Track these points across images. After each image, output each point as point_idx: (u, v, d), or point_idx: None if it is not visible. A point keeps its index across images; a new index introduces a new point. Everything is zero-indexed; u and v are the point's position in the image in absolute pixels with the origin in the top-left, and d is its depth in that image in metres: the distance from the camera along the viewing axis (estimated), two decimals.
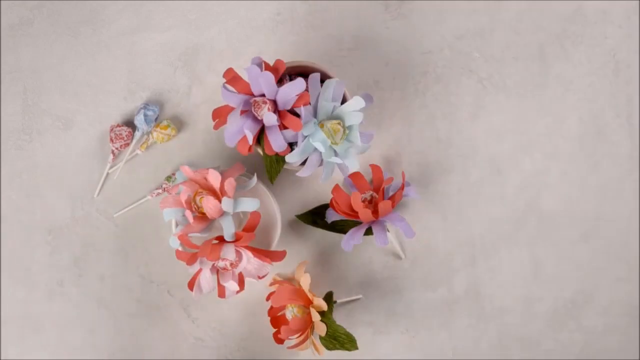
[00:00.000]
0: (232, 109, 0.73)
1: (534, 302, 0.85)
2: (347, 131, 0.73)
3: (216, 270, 0.74)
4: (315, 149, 0.73)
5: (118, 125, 0.83)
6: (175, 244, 0.73)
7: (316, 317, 0.75)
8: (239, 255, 0.73)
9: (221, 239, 0.74)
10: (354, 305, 0.85)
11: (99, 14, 0.85)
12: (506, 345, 0.84)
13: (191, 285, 0.74)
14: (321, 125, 0.72)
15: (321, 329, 0.76)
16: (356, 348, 0.76)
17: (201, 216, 0.73)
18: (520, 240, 0.85)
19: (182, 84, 0.85)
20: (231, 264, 0.73)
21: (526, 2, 0.87)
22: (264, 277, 0.75)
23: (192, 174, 0.74)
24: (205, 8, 0.86)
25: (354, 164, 0.74)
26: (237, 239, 0.73)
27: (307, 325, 0.76)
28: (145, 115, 0.82)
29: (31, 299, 0.84)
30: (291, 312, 0.77)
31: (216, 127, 0.75)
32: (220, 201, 0.72)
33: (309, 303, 0.77)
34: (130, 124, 0.84)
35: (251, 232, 0.72)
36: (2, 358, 0.83)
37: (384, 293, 0.85)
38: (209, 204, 0.72)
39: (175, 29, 0.85)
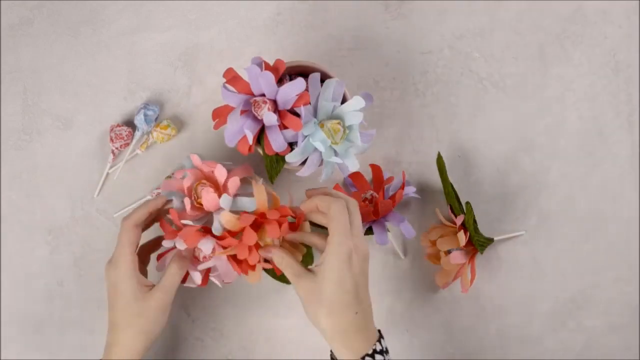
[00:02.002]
0: (232, 108, 0.73)
1: (534, 302, 0.85)
2: (347, 131, 0.73)
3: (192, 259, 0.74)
4: (316, 149, 0.73)
5: (118, 125, 0.83)
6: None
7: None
8: (214, 252, 0.72)
9: (206, 230, 0.74)
10: None
11: (99, 14, 0.85)
12: (506, 345, 0.84)
13: (159, 258, 0.74)
14: (321, 125, 0.72)
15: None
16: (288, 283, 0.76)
17: (198, 206, 0.74)
18: (520, 240, 0.85)
19: (182, 84, 0.85)
20: (203, 257, 0.72)
21: (526, 2, 0.87)
22: (228, 283, 0.75)
23: (200, 163, 0.74)
24: (205, 8, 0.86)
25: (354, 164, 0.74)
26: (221, 238, 0.72)
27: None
28: (146, 115, 0.82)
29: (31, 299, 0.83)
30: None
31: (216, 127, 0.75)
32: (219, 196, 0.72)
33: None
34: (130, 123, 0.84)
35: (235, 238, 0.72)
36: (2, 358, 0.83)
37: (384, 293, 0.85)
38: (207, 196, 0.72)
39: (175, 29, 0.85)
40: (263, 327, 0.84)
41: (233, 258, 0.73)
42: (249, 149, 0.73)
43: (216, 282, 0.75)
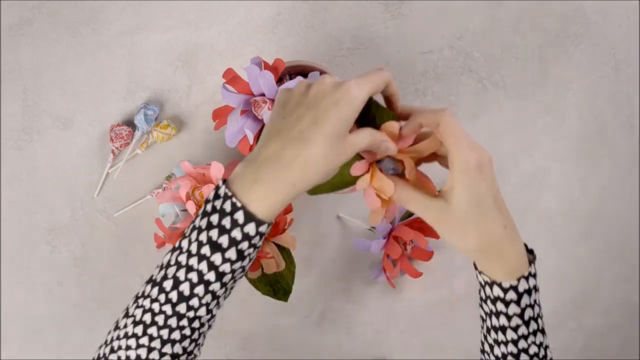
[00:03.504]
0: (232, 109, 0.73)
1: None
2: None
3: None
4: None
5: (118, 125, 0.83)
6: (164, 210, 0.77)
7: None
8: None
9: None
10: (354, 306, 0.85)
11: (99, 14, 0.85)
12: None
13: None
14: None
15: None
16: (286, 300, 0.75)
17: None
18: None
19: (182, 84, 0.85)
20: None
21: (526, 2, 0.87)
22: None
23: (191, 170, 0.74)
24: (205, 8, 0.86)
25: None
26: None
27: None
28: (146, 115, 0.81)
29: (31, 299, 0.83)
30: None
31: (217, 127, 0.75)
32: None
33: None
34: (130, 123, 0.84)
35: None
36: (2, 358, 0.83)
37: (384, 293, 0.85)
38: (210, 192, 0.72)
39: (175, 29, 0.85)
40: (263, 327, 0.84)
41: None
42: (250, 149, 0.73)
43: None
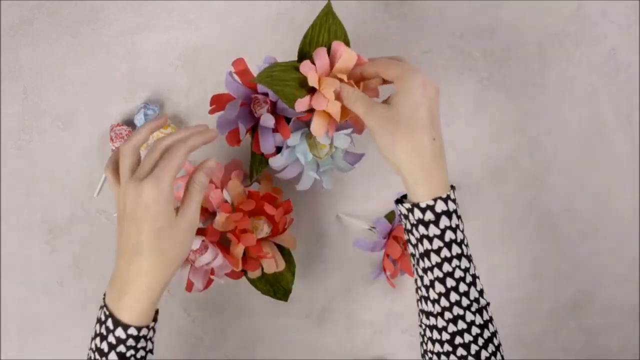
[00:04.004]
0: (232, 98, 0.73)
1: (534, 302, 0.85)
2: (333, 149, 0.72)
3: (190, 265, 0.74)
4: (298, 159, 0.72)
5: (118, 125, 0.82)
6: None
7: None
8: (205, 248, 0.72)
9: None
10: (354, 306, 0.85)
11: (99, 14, 0.85)
12: (506, 345, 0.84)
13: None
14: (311, 136, 0.72)
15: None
16: (286, 300, 0.77)
17: (203, 209, 0.74)
18: (520, 240, 0.85)
19: (182, 84, 0.85)
20: (193, 252, 0.72)
21: (526, 2, 0.87)
22: (229, 277, 0.76)
23: (191, 170, 0.74)
24: (205, 8, 0.86)
25: (329, 183, 0.73)
26: (205, 233, 0.73)
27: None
28: (146, 115, 0.81)
29: (31, 299, 0.83)
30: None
31: (212, 112, 0.74)
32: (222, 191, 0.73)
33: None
34: (130, 123, 0.84)
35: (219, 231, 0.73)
36: (2, 358, 0.83)
37: (383, 293, 0.85)
38: (213, 194, 0.72)
39: (175, 29, 0.85)
40: (263, 327, 0.84)
41: (227, 252, 0.73)
42: (238, 143, 0.73)
43: (219, 280, 0.75)
